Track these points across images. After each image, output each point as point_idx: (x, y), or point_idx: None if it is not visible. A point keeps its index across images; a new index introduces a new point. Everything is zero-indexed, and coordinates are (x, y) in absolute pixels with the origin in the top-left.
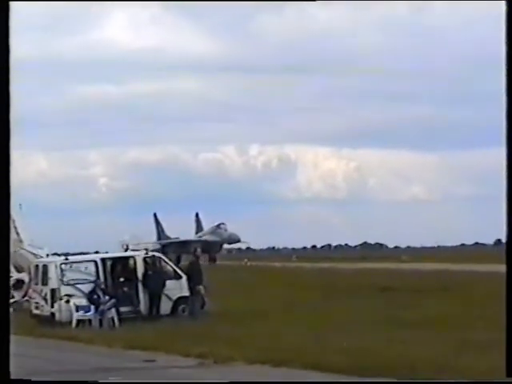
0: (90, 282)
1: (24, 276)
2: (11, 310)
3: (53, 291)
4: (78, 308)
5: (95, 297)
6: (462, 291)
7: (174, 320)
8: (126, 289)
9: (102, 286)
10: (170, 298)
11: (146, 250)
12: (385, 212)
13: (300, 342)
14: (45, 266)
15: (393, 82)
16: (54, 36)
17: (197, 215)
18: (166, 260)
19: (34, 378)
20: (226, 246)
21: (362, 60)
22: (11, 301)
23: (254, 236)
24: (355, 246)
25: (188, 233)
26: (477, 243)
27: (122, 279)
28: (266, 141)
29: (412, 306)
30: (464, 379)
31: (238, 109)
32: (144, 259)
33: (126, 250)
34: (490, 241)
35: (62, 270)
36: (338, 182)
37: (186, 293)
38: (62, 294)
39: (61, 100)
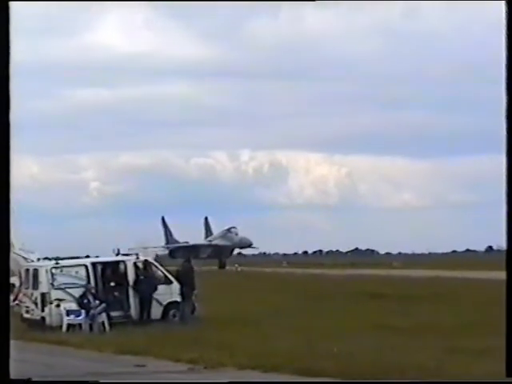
0: (81, 286)
1: (15, 280)
2: None
3: (43, 295)
4: (68, 312)
5: (86, 301)
6: (453, 298)
7: (165, 325)
8: (116, 293)
9: (93, 291)
10: (160, 303)
11: (137, 254)
12: (376, 218)
13: (290, 348)
14: (35, 270)
15: (384, 88)
16: (45, 39)
17: (206, 219)
18: (157, 265)
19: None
20: (236, 250)
21: (354, 66)
22: None
23: None
24: (346, 252)
25: (186, 237)
26: (468, 250)
27: (112, 284)
28: (258, 146)
29: (403, 312)
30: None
31: (230, 114)
32: (135, 264)
33: (117, 255)
34: (482, 248)
35: (52, 275)
36: (329, 187)
37: (177, 298)
38: (53, 298)
39: (52, 104)
